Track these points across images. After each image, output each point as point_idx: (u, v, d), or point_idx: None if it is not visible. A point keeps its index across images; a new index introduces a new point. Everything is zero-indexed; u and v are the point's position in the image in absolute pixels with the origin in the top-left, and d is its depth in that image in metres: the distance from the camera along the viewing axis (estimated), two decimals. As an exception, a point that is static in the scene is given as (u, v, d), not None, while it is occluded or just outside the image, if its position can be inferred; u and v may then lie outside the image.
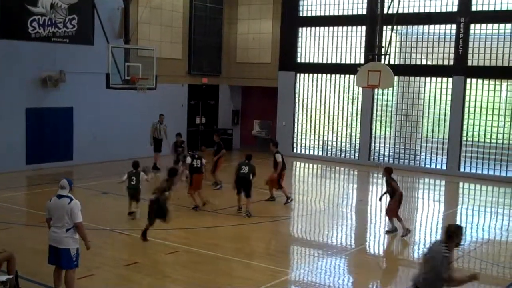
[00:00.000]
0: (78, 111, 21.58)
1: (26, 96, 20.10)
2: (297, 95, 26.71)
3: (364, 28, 24.56)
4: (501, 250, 13.55)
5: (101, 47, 20.15)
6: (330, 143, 26.19)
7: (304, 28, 26.48)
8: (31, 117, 20.29)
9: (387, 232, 13.95)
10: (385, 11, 22.01)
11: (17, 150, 19.96)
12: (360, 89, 24.03)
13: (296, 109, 26.78)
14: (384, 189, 14.03)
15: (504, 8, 22.01)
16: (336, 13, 25.57)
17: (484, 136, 22.70)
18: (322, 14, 25.91)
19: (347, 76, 25.24)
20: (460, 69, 22.50)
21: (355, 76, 21.82)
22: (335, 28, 25.53)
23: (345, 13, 25.32)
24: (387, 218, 13.99)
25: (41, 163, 20.51)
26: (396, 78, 21.78)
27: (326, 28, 25.77)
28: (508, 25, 22.03)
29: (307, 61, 26.43)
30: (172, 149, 19.79)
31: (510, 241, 14.16)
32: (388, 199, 13.81)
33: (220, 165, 18.69)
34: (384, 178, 13.80)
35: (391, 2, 21.92)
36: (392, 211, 13.62)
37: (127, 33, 20.63)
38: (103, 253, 11.56)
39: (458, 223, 16.10)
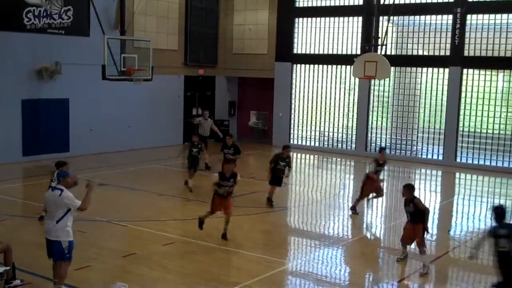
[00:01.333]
0: (74, 102, 21.51)
1: (22, 87, 20.03)
2: (293, 86, 26.68)
3: (360, 18, 24.50)
4: (497, 240, 13.56)
5: (96, 38, 20.08)
6: (326, 133, 26.19)
7: (300, 19, 26.42)
8: (27, 109, 20.23)
9: (398, 260, 11.19)
10: (382, 1, 21.94)
11: (14, 141, 19.91)
12: (357, 79, 24.03)
13: (293, 100, 26.75)
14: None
15: (500, -2, 22.02)
16: (332, 4, 25.54)
17: (481, 127, 22.73)
18: (319, 4, 25.86)
19: (343, 66, 25.21)
20: (457, 59, 22.49)
21: (352, 66, 21.84)
22: (332, 18, 25.47)
23: (342, 4, 25.30)
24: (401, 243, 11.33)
25: (38, 155, 20.47)
26: (392, 68, 21.78)
27: (323, 18, 25.71)
28: (505, 15, 22.00)
29: (303, 52, 26.38)
30: (187, 150, 17.16)
31: (506, 231, 14.17)
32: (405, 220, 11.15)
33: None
34: (404, 198, 10.84)
35: (387, -8, 21.91)
36: (418, 237, 10.65)
37: (123, 24, 20.53)
38: (101, 244, 11.59)
39: (454, 213, 16.24)
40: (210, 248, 11.52)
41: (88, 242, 11.38)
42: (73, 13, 20.82)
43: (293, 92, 26.71)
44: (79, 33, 21.06)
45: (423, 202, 10.71)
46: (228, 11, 27.80)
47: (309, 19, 26.15)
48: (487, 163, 22.32)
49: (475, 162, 22.58)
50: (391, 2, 21.49)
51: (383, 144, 24.55)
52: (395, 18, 23.72)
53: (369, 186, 14.70)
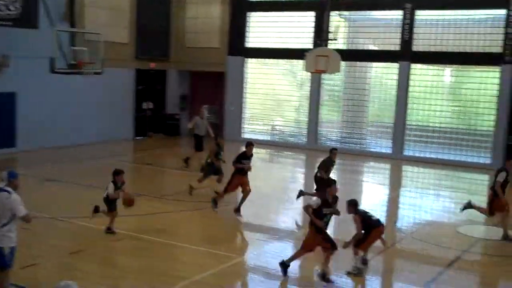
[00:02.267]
0: (22, 96, 21.00)
1: (-33, 81, 19.49)
2: (245, 80, 26.72)
3: (313, 13, 24.68)
4: (443, 231, 13.93)
5: (46, 30, 19.68)
6: (278, 127, 26.36)
7: (253, 13, 26.45)
8: (-27, 103, 19.70)
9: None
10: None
11: (-42, 136, 19.38)
12: (309, 74, 24.22)
13: (245, 94, 26.80)
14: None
15: (448, -6, 22.51)
16: (285, -2, 25.69)
17: (428, 120, 23.25)
18: (271, -2, 25.98)
19: (295, 61, 25.36)
20: (406, 54, 22.91)
21: (304, 61, 21.99)
22: (284, 13, 25.59)
23: (294, -2, 25.47)
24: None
25: (-17, 150, 19.96)
26: (343, 63, 22.04)
27: (275, 13, 25.81)
28: (453, 12, 22.49)
29: (256, 46, 26.43)
30: (213, 154, 16.11)
31: (451, 223, 14.59)
32: None
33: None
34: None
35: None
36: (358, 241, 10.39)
37: (73, 16, 20.22)
38: (46, 241, 11.39)
39: (401, 205, 16.61)
40: (161, 244, 11.49)
41: (34, 240, 11.11)
42: (22, 4, 20.29)
43: (245, 86, 26.73)
44: (28, 25, 20.54)
45: (360, 223, 10.26)
46: (180, 4, 27.55)
47: (262, 13, 26.21)
48: (434, 156, 22.83)
49: (422, 155, 23.07)
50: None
51: (333, 138, 24.84)
52: (347, 13, 24.00)
53: (497, 203, 12.76)
